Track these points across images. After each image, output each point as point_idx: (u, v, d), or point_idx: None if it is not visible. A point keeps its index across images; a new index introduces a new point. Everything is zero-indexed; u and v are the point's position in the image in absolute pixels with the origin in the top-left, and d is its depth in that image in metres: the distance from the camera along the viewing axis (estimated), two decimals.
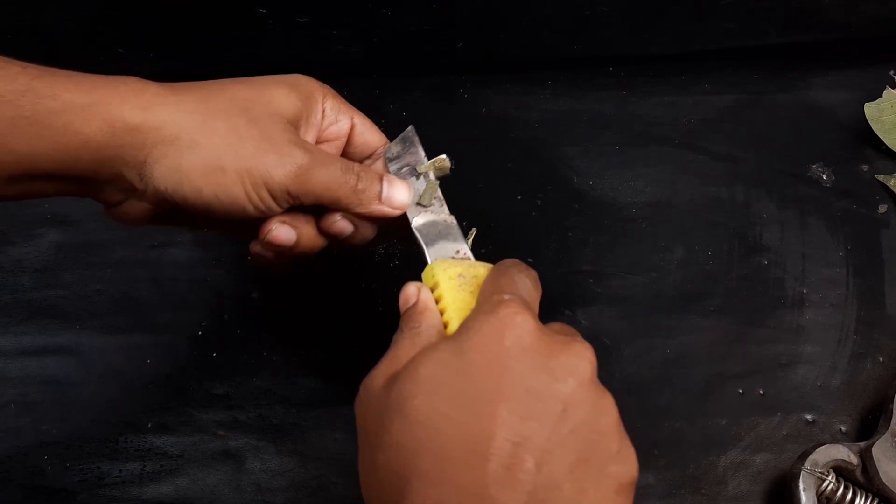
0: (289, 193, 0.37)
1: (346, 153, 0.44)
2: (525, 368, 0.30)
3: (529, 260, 0.37)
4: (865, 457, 0.46)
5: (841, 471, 0.47)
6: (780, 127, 0.62)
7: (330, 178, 0.38)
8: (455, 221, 0.41)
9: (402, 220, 0.42)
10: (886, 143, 0.60)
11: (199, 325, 0.54)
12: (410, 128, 0.44)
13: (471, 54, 0.63)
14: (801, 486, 0.46)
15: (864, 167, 0.60)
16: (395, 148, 0.44)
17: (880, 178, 0.60)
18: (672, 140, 0.61)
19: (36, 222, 0.58)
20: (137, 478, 0.49)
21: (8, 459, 0.50)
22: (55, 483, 0.49)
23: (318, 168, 0.38)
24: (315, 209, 0.40)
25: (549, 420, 0.29)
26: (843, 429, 0.51)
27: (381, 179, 0.41)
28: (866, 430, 0.50)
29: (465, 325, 0.32)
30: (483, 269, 0.37)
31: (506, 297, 0.32)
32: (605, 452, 0.30)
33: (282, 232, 0.39)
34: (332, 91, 0.42)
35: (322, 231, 0.41)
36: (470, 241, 0.41)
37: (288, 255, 0.41)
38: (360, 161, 0.44)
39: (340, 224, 0.41)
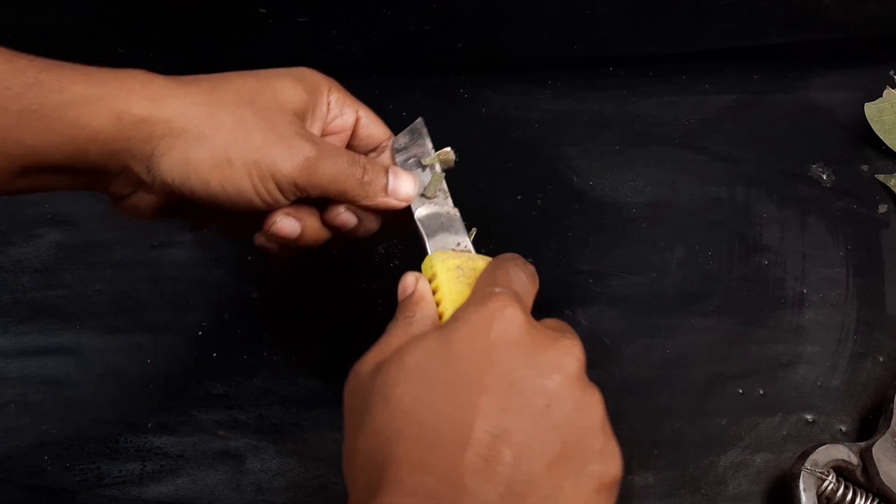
0: (296, 185, 0.38)
1: (350, 146, 0.44)
2: (510, 361, 0.30)
3: (530, 260, 0.37)
4: (865, 457, 0.46)
5: (841, 471, 0.47)
6: (780, 127, 0.62)
7: (336, 171, 0.38)
8: (458, 214, 0.42)
9: (407, 213, 0.42)
10: (886, 143, 0.60)
11: (199, 325, 0.54)
12: (420, 120, 0.45)
13: (471, 54, 0.63)
14: (802, 486, 0.46)
15: (864, 167, 0.60)
16: (402, 139, 0.44)
17: (880, 178, 0.60)
18: (672, 140, 0.61)
19: (36, 222, 0.58)
20: (137, 478, 0.49)
21: (8, 459, 0.50)
22: (55, 483, 0.49)
23: (324, 160, 0.38)
24: (319, 201, 0.40)
25: (530, 414, 0.29)
26: (843, 429, 0.51)
27: (386, 172, 0.41)
28: (866, 430, 0.50)
29: (454, 316, 0.32)
30: (482, 262, 0.37)
31: (497, 290, 0.32)
32: (588, 450, 0.30)
33: (286, 224, 0.39)
34: (337, 84, 0.42)
35: (326, 223, 0.41)
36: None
37: (292, 248, 0.41)
38: (365, 154, 0.44)
39: (344, 216, 0.41)
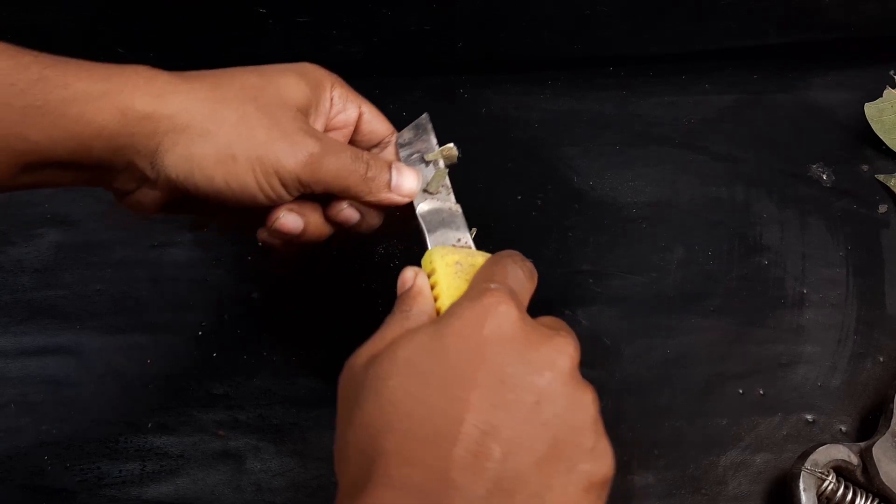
0: (299, 182, 0.38)
1: (353, 141, 0.44)
2: (501, 358, 0.30)
3: (529, 258, 0.38)
4: (865, 457, 0.46)
5: (841, 471, 0.47)
6: (780, 127, 0.62)
7: (340, 167, 0.38)
8: (460, 210, 0.42)
9: (409, 209, 0.42)
10: (886, 143, 0.60)
11: (199, 325, 0.54)
12: (425, 115, 0.45)
13: (471, 54, 0.63)
14: (802, 486, 0.46)
15: (864, 167, 0.60)
16: (406, 134, 0.44)
17: (880, 178, 0.60)
18: (672, 140, 0.61)
19: (36, 222, 0.58)
20: (137, 478, 0.49)
21: (8, 459, 0.50)
22: (55, 483, 0.49)
23: (328, 156, 0.38)
24: (322, 197, 0.40)
25: (520, 411, 0.29)
26: (843, 429, 0.51)
27: (390, 167, 0.41)
28: (866, 430, 0.50)
29: (448, 311, 0.32)
30: (482, 258, 0.37)
31: (493, 286, 0.32)
32: (578, 448, 0.30)
33: (289, 220, 0.39)
34: (340, 80, 0.42)
35: (329, 219, 0.41)
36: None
37: (295, 243, 0.41)
38: (368, 150, 0.44)
39: (347, 212, 0.41)
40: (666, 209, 0.58)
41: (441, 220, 0.41)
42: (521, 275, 0.34)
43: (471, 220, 0.49)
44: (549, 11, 0.60)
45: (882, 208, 0.58)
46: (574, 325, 0.40)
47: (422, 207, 0.41)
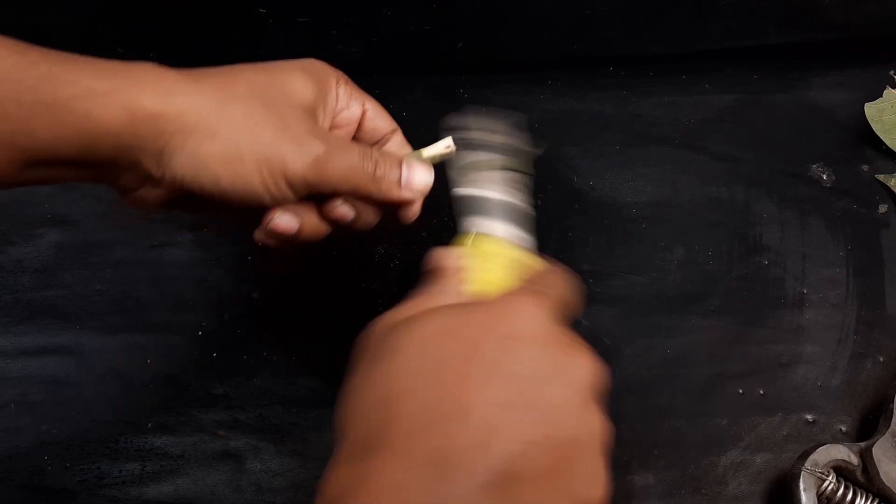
0: (306, 183, 0.37)
1: (356, 138, 0.44)
2: (525, 358, 0.30)
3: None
4: (866, 457, 0.46)
5: (841, 471, 0.47)
6: (780, 127, 0.62)
7: (348, 167, 0.38)
8: (531, 211, 0.40)
9: (422, 206, 0.41)
10: (886, 143, 0.60)
11: (199, 325, 0.54)
12: (521, 117, 0.43)
13: (471, 54, 0.63)
14: (802, 486, 0.46)
15: (864, 167, 0.60)
16: (473, 120, 0.43)
17: (880, 178, 0.60)
18: (672, 140, 0.61)
19: (36, 222, 0.58)
20: (137, 478, 0.49)
21: (8, 459, 0.50)
22: (55, 483, 0.49)
23: (335, 157, 0.38)
24: (318, 195, 0.40)
25: (532, 417, 0.29)
26: (843, 429, 0.51)
27: (400, 164, 0.40)
28: (866, 430, 0.50)
29: (489, 298, 0.32)
30: (530, 259, 0.37)
31: (540, 288, 0.32)
32: (576, 469, 0.29)
33: (284, 220, 0.39)
34: (345, 76, 0.42)
35: (324, 217, 0.41)
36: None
37: (292, 243, 0.41)
38: (372, 146, 0.44)
39: (342, 209, 0.40)
40: (666, 209, 0.58)
41: (489, 210, 0.40)
42: (569, 293, 0.34)
43: None
44: (549, 11, 0.60)
45: (882, 208, 0.58)
46: (574, 325, 0.40)
47: (471, 191, 0.40)
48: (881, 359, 0.53)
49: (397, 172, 0.40)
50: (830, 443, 0.47)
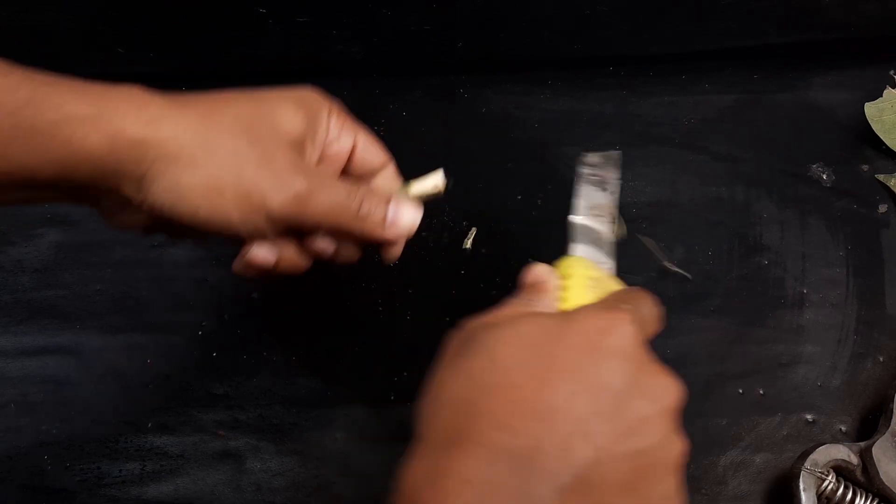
0: (287, 218, 0.37)
1: (347, 171, 0.43)
2: (615, 371, 0.30)
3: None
4: (865, 457, 0.46)
5: (841, 471, 0.47)
6: (780, 127, 0.62)
7: (331, 204, 0.38)
8: (613, 239, 0.42)
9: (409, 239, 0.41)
10: (886, 143, 0.60)
11: (199, 325, 0.54)
12: (618, 153, 0.45)
13: (471, 54, 0.63)
14: (802, 486, 0.46)
15: (864, 167, 0.60)
16: (594, 158, 0.45)
17: (880, 178, 0.60)
18: (672, 140, 0.61)
19: (36, 222, 0.58)
20: (137, 478, 0.49)
21: (8, 459, 0.50)
22: (55, 483, 0.49)
23: (318, 194, 0.37)
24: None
25: (616, 428, 0.29)
26: (843, 429, 0.51)
27: (387, 202, 0.40)
28: (866, 430, 0.50)
29: (579, 310, 0.32)
30: (616, 284, 0.38)
31: (626, 306, 0.33)
32: (653, 487, 0.30)
33: (261, 253, 0.38)
34: (338, 107, 0.41)
35: (304, 250, 0.40)
36: (470, 241, 0.41)
37: (270, 275, 0.40)
38: (362, 177, 0.43)
39: (321, 244, 0.40)
40: (666, 209, 0.58)
41: (589, 238, 0.42)
42: (652, 312, 0.35)
43: (471, 221, 0.49)
44: (549, 11, 0.60)
45: (882, 208, 0.58)
46: None
47: (579, 220, 0.42)
48: (881, 359, 0.53)
49: (383, 210, 0.39)
50: (830, 443, 0.47)
